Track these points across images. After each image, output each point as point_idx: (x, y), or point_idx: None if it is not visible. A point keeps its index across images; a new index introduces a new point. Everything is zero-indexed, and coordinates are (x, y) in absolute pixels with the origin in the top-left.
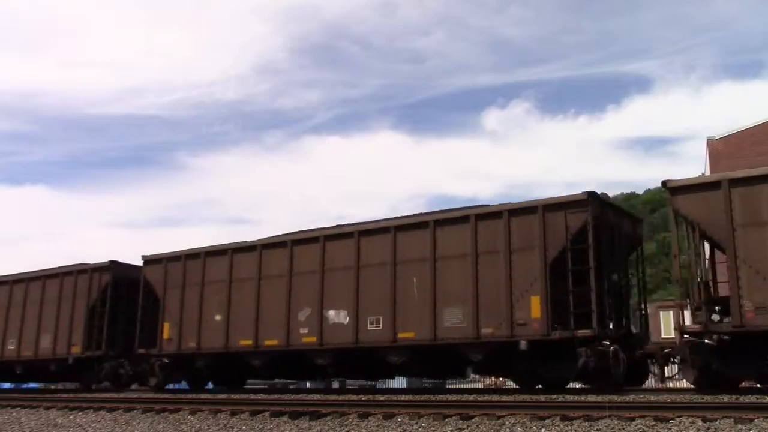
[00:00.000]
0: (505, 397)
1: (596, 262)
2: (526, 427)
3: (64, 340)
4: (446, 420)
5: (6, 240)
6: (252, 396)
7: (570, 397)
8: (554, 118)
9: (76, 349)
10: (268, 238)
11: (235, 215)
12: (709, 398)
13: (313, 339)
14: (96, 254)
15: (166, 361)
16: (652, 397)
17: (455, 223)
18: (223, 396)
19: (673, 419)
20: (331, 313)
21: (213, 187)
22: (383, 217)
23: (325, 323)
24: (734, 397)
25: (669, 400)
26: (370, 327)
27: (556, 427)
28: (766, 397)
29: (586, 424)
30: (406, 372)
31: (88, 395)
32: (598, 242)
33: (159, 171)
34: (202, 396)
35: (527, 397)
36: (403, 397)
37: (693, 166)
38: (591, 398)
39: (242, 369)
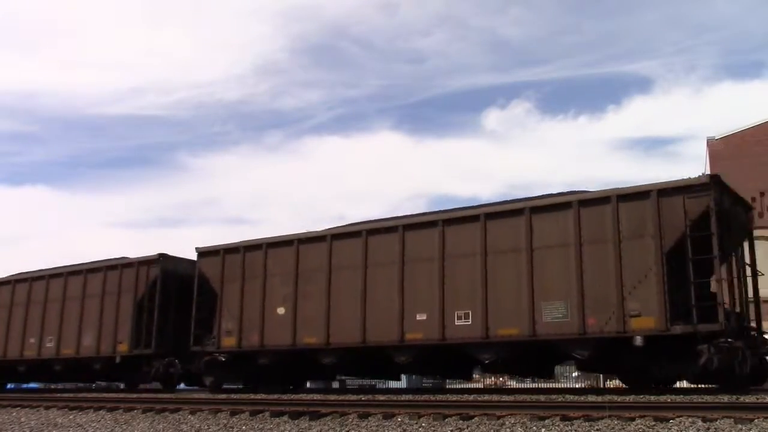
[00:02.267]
0: (505, 397)
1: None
2: (526, 427)
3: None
4: (446, 420)
5: (6, 240)
6: (252, 396)
7: (570, 397)
8: (554, 118)
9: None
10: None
11: (235, 215)
12: (709, 398)
13: None
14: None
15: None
16: (652, 398)
17: None
18: (223, 396)
19: (673, 419)
20: None
21: (213, 187)
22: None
23: None
24: (734, 397)
25: (669, 400)
26: None
27: (556, 427)
28: (766, 397)
29: (586, 424)
30: None
31: (89, 395)
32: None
33: (159, 171)
34: (202, 396)
35: (527, 397)
36: (403, 397)
37: (693, 166)
38: (591, 398)
39: None
